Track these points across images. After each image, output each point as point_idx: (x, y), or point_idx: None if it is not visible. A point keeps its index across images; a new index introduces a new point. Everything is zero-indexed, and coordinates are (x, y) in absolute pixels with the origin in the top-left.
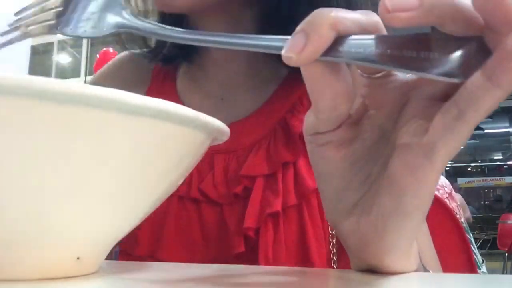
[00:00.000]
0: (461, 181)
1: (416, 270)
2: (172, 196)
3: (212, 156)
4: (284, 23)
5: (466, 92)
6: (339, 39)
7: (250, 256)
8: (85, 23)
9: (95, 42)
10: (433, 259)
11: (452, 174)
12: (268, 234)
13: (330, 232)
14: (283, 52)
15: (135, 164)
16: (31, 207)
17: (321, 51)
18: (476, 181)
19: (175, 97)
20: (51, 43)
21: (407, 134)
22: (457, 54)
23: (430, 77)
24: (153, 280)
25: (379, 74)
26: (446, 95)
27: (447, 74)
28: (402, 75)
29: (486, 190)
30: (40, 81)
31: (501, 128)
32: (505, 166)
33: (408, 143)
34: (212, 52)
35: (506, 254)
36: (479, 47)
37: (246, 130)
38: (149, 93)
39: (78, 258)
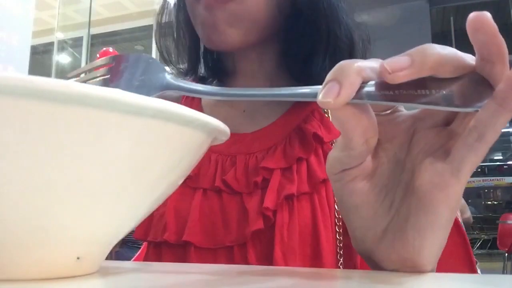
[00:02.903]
0: None
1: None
2: (196, 190)
3: (235, 156)
4: (302, 58)
5: (483, 118)
6: (361, 85)
7: (267, 236)
8: (134, 88)
9: (95, 42)
10: None
11: None
12: (284, 215)
13: (337, 230)
14: (320, 99)
15: (135, 164)
16: (31, 207)
17: (352, 95)
18: (476, 181)
19: (198, 110)
20: (51, 43)
21: (428, 159)
22: (456, 88)
23: (445, 109)
24: (153, 280)
25: (388, 111)
26: (447, 121)
27: (454, 104)
28: (406, 111)
29: (486, 190)
30: (40, 81)
31: None
32: (505, 166)
33: (433, 166)
34: (238, 70)
35: (506, 254)
36: (473, 81)
37: (265, 136)
38: None
39: (78, 258)
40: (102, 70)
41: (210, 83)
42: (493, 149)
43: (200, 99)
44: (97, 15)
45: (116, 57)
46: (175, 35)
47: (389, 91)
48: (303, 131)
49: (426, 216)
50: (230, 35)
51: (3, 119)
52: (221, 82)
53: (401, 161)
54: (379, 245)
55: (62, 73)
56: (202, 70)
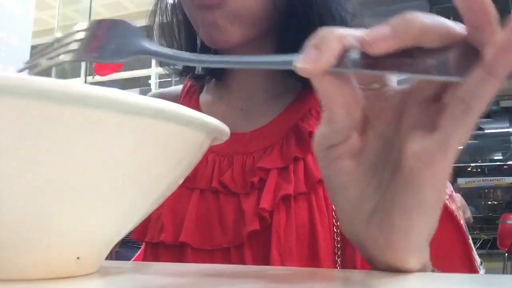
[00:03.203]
0: (461, 181)
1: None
2: (193, 190)
3: (232, 156)
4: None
5: (470, 87)
6: (344, 53)
7: (263, 237)
8: (109, 50)
9: None
10: None
11: (452, 174)
12: (280, 216)
13: (335, 230)
14: (298, 65)
15: (135, 164)
16: (31, 208)
17: (331, 61)
18: (476, 181)
19: (196, 109)
20: None
21: (415, 135)
22: (446, 58)
23: (432, 79)
24: (153, 280)
25: (376, 86)
26: (437, 96)
27: (444, 74)
28: (395, 86)
29: (486, 190)
30: (40, 81)
31: (501, 128)
32: (505, 166)
33: (420, 142)
34: (236, 69)
35: (506, 254)
36: (464, 51)
37: (262, 136)
38: None
39: (78, 258)
40: (79, 34)
41: (207, 82)
42: (493, 149)
43: (198, 98)
44: (97, 15)
45: (93, 22)
46: (172, 35)
47: (373, 59)
48: (300, 130)
49: (413, 195)
50: (232, 33)
51: (3, 119)
52: (219, 81)
53: (389, 139)
54: (367, 228)
55: (62, 73)
56: (199, 68)
